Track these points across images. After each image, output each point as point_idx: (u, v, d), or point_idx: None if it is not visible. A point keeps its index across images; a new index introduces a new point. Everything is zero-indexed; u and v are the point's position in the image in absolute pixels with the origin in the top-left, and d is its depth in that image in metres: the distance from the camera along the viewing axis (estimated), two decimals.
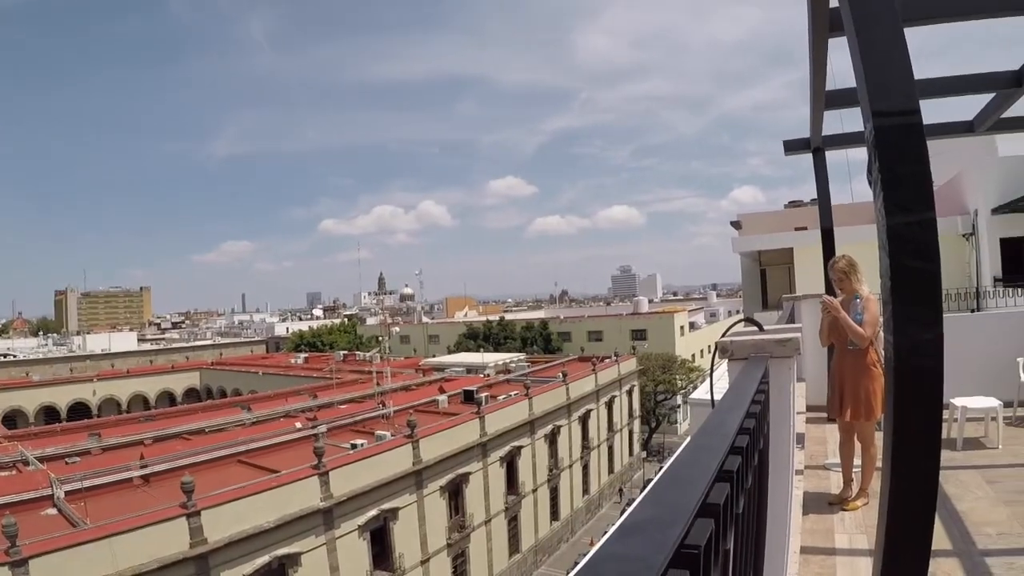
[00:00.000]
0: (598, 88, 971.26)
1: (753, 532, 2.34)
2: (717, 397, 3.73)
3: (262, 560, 25.87)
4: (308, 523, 27.95)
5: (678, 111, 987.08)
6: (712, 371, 5.96)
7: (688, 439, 2.35)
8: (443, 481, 36.53)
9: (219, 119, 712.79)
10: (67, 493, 27.03)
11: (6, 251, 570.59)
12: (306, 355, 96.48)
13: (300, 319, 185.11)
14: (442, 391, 49.30)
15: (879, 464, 5.31)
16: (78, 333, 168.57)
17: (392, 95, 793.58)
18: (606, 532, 33.87)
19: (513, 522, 44.09)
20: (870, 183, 3.16)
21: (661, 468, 23.59)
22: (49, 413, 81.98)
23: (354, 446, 34.35)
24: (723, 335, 4.45)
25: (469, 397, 45.90)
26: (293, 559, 27.25)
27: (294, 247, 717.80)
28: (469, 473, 38.84)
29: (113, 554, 21.19)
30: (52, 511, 26.31)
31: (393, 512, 32.80)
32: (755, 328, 4.78)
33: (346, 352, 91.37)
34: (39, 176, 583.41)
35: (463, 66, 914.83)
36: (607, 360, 61.81)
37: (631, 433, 66.57)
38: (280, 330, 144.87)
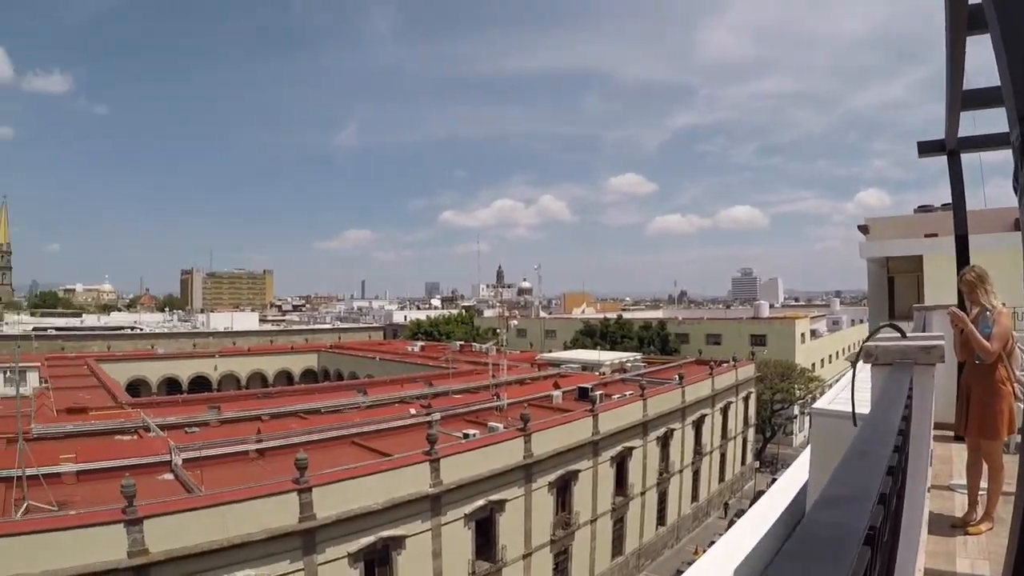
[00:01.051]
0: (721, 84, 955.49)
1: (889, 543, 2.37)
2: (847, 406, 3.91)
3: (367, 540, 27.22)
4: (415, 508, 29.13)
5: (803, 108, 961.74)
6: (854, 375, 6.05)
7: (857, 430, 2.32)
8: (552, 477, 37.24)
9: (345, 112, 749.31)
10: (185, 460, 29.28)
11: (137, 231, 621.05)
12: (423, 343, 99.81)
13: (418, 308, 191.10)
14: (557, 387, 50.25)
15: (1007, 489, 5.31)
16: (202, 311, 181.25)
17: (513, 90, 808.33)
18: (712, 542, 33.59)
19: (619, 524, 44.61)
20: (1015, 190, 3.12)
21: (773, 480, 23.06)
22: (171, 384, 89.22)
23: (466, 435, 35.52)
24: (866, 339, 4.64)
25: (583, 394, 46.85)
26: (398, 541, 28.54)
27: (414, 237, 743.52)
28: (578, 471, 39.44)
29: (224, 521, 22.87)
30: (169, 476, 28.62)
31: (500, 504, 33.67)
32: (897, 334, 4.89)
33: (462, 343, 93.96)
34: (172, 162, 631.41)
35: (585, 61, 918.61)
36: (725, 364, 62.07)
37: (745, 442, 66.57)
38: (398, 318, 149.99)
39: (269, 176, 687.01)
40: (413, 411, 42.71)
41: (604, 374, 60.03)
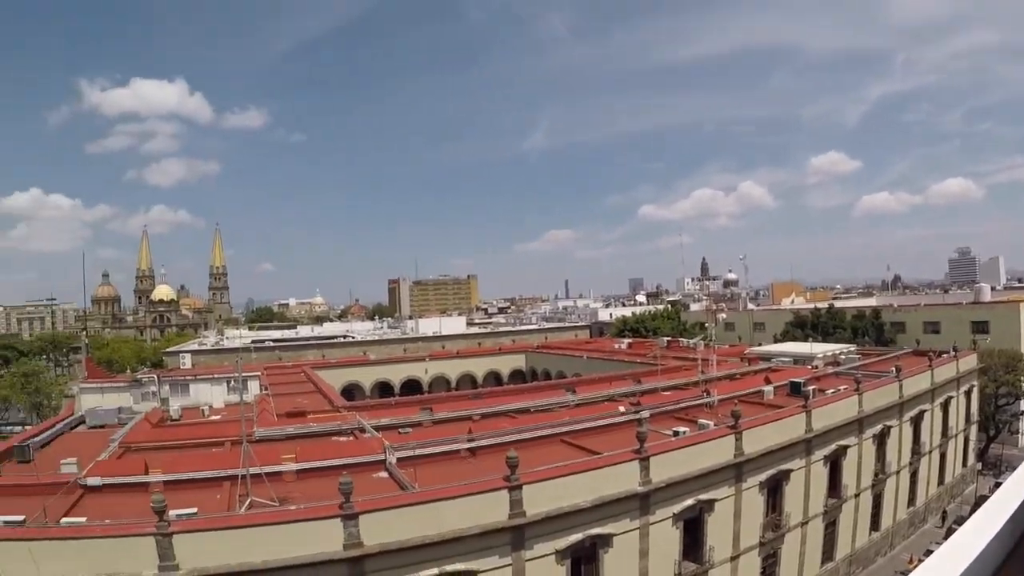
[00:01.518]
0: (918, 45, 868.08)
1: None
2: None
3: (575, 537, 27.34)
4: (624, 506, 28.89)
5: (1012, 62, 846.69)
6: None
7: None
8: (763, 476, 35.91)
9: (533, 114, 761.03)
10: (399, 459, 30.77)
11: (345, 244, 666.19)
12: (629, 340, 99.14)
13: (623, 305, 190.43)
14: (768, 381, 48.44)
15: None
16: (410, 317, 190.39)
17: (698, 75, 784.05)
18: (929, 551, 30.80)
19: (830, 527, 42.33)
20: None
21: (997, 484, 20.55)
22: (384, 388, 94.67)
23: (676, 433, 34.89)
24: None
25: (796, 389, 44.82)
26: (605, 540, 28.44)
27: (614, 234, 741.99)
28: (790, 470, 37.80)
29: (437, 517, 23.76)
30: (383, 474, 30.27)
31: (709, 504, 32.77)
32: None
33: (670, 338, 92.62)
34: (371, 179, 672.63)
35: (769, 36, 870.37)
36: (944, 355, 57.45)
37: (966, 440, 61.50)
38: (603, 315, 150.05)
39: (466, 184, 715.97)
40: (622, 409, 42.58)
41: (816, 367, 57.62)
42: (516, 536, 25.78)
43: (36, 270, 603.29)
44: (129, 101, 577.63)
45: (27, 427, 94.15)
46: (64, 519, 25.12)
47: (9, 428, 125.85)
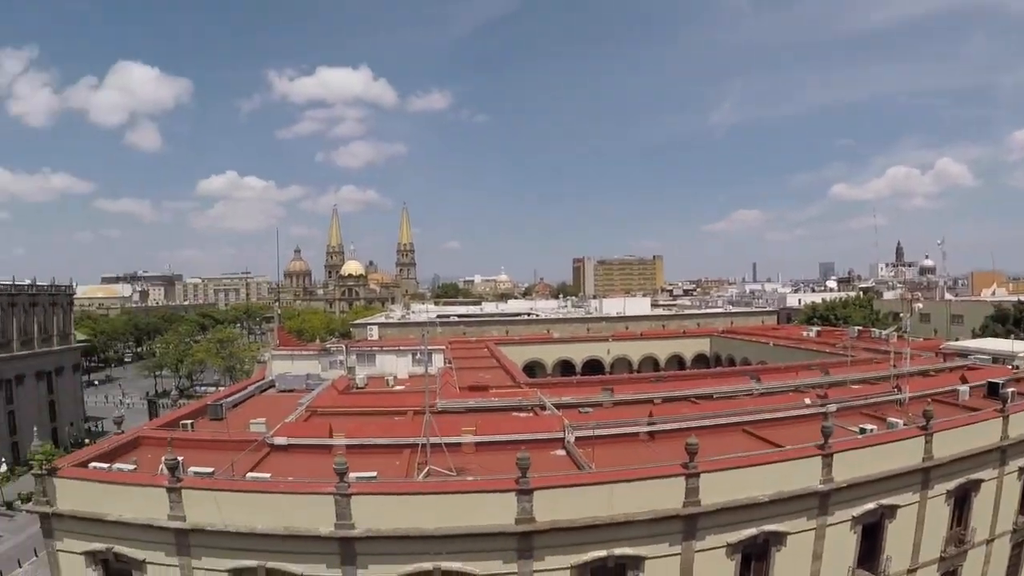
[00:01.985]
0: None
1: None
2: None
3: (748, 532, 25.81)
4: (801, 504, 27.02)
5: None
6: None
7: None
8: (951, 485, 32.46)
9: (717, 88, 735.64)
10: (577, 438, 30.48)
11: (531, 223, 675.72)
12: (818, 328, 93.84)
13: (812, 290, 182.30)
14: (964, 380, 43.80)
15: None
16: (594, 297, 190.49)
17: (887, 43, 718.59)
18: None
19: (1017, 548, 37.59)
20: None
21: None
22: (565, 367, 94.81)
23: (863, 430, 32.20)
24: None
25: (993, 391, 40.26)
26: (779, 537, 26.69)
27: (803, 214, 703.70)
28: (981, 480, 33.96)
29: (610, 499, 23.15)
30: (561, 452, 30.00)
31: (891, 509, 30.06)
32: None
33: (860, 328, 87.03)
34: (558, 154, 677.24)
35: None
36: None
37: None
38: (791, 301, 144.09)
39: (651, 162, 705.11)
40: (807, 400, 40.15)
41: (1017, 368, 51.16)
42: (688, 525, 24.72)
43: (232, 246, 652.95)
44: (316, 89, 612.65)
45: (220, 388, 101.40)
46: (250, 473, 26.63)
47: (203, 388, 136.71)
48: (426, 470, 26.40)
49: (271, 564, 23.65)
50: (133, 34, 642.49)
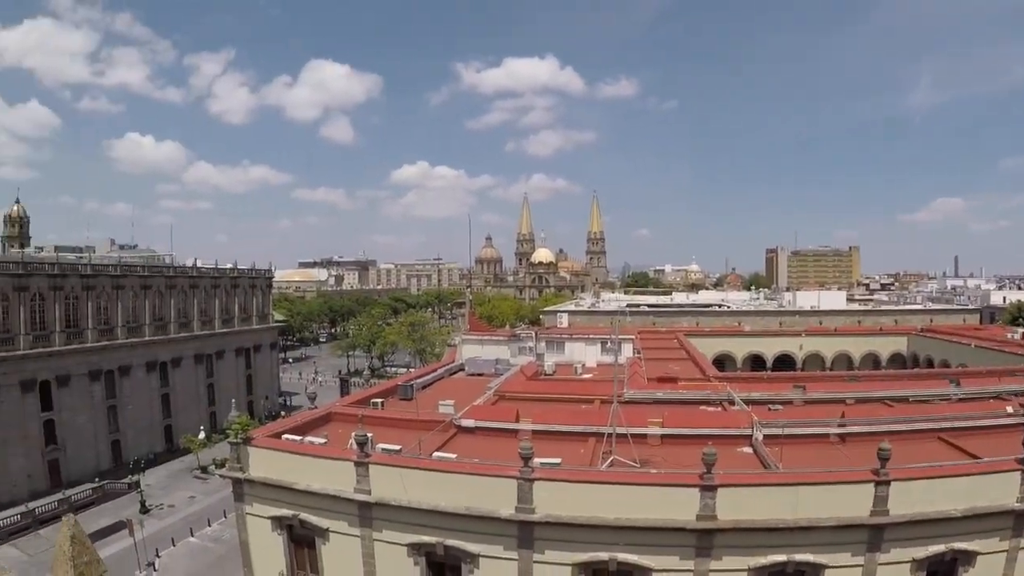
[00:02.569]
0: None
1: None
2: None
3: (936, 549, 23.92)
4: (994, 522, 24.66)
5: None
6: None
7: None
8: None
9: (913, 67, 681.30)
10: (765, 436, 29.76)
11: (722, 212, 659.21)
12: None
13: (1019, 287, 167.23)
14: None
15: None
16: (787, 289, 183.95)
17: None
18: None
19: None
20: None
21: None
22: (755, 361, 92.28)
23: None
24: None
25: None
26: (968, 557, 24.50)
27: (1012, 203, 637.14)
28: None
29: (795, 501, 22.35)
30: (747, 450, 29.47)
31: None
32: None
33: None
34: (751, 140, 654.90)
35: None
36: None
37: None
38: (995, 299, 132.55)
39: (847, 148, 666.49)
40: (1009, 409, 37.07)
41: None
42: (874, 536, 23.35)
43: (424, 232, 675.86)
44: (504, 80, 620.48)
45: (410, 369, 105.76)
46: (436, 453, 27.82)
47: (394, 369, 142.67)
48: (610, 459, 26.61)
49: (449, 541, 24.62)
50: (324, 34, 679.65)
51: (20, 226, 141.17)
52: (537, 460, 23.79)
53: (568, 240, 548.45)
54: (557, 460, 25.28)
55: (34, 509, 67.17)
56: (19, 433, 74.54)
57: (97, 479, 77.51)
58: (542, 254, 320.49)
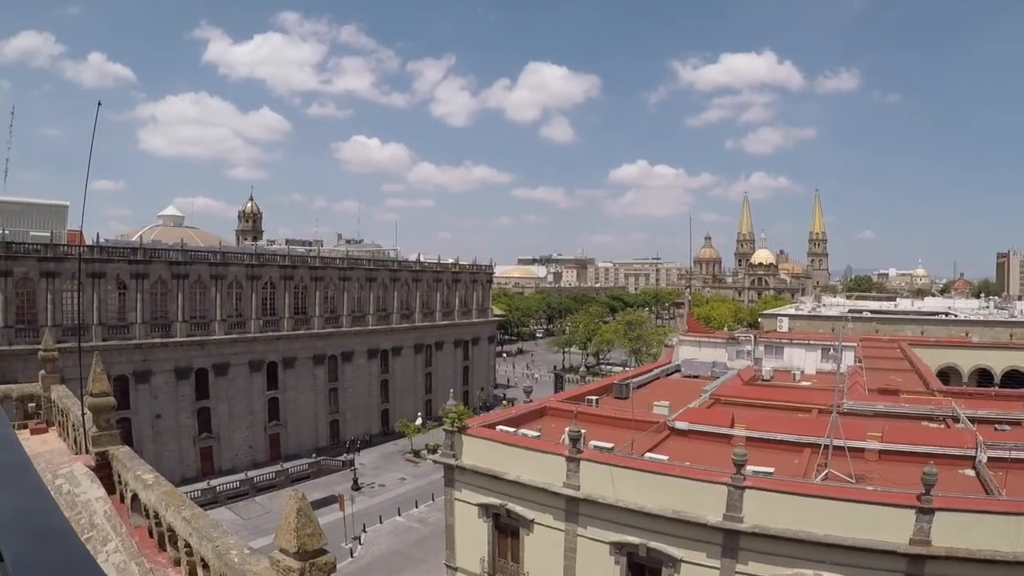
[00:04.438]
0: None
1: None
2: None
3: None
4: None
5: None
6: None
7: None
8: None
9: None
10: (989, 459, 28.06)
11: (951, 213, 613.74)
12: None
13: None
14: None
15: None
16: (1019, 298, 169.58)
17: None
18: None
19: None
20: None
21: None
22: (983, 375, 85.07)
23: None
24: None
25: None
26: None
27: None
28: None
29: (1017, 533, 21.08)
30: (970, 472, 28.00)
31: None
32: None
33: None
34: (981, 136, 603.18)
35: None
36: None
37: None
38: None
39: None
40: None
41: None
42: None
43: (643, 231, 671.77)
44: (721, 76, 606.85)
45: (626, 368, 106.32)
46: (647, 454, 28.59)
47: (609, 367, 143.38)
48: (824, 473, 26.39)
49: (653, 544, 25.20)
50: (541, 37, 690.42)
51: (253, 221, 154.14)
52: (749, 468, 23.98)
53: (789, 241, 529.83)
54: (770, 469, 25.38)
55: (252, 478, 75.15)
56: (246, 408, 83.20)
57: (314, 455, 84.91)
58: (762, 255, 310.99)
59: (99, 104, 13.81)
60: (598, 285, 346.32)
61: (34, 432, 19.32)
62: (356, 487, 75.90)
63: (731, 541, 23.71)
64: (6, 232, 67.07)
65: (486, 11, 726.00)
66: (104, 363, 16.63)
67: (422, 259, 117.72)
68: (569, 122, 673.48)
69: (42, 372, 20.56)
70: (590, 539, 27.14)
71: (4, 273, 65.08)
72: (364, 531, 63.66)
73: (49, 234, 72.04)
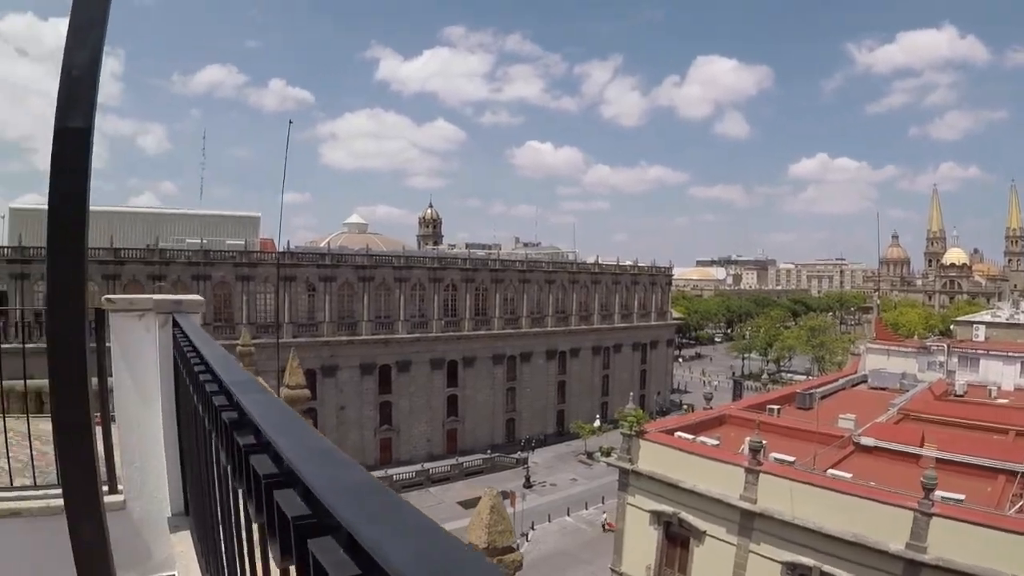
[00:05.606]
0: None
1: None
2: None
3: None
4: None
5: None
6: None
7: None
8: None
9: None
10: None
11: None
12: None
13: None
14: None
15: None
16: None
17: None
18: None
19: None
20: None
21: None
22: None
23: None
24: None
25: None
26: None
27: None
28: None
29: None
30: None
31: None
32: None
33: None
34: None
35: None
36: None
37: None
38: None
39: None
40: None
41: None
42: None
43: (824, 229, 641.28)
44: (900, 56, 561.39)
45: (809, 377, 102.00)
46: (830, 470, 27.11)
47: (790, 375, 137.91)
48: (1020, 504, 24.23)
49: (827, 567, 23.97)
50: (708, 30, 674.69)
51: (433, 226, 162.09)
52: (938, 493, 22.34)
53: (983, 238, 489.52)
54: (960, 496, 23.60)
55: (428, 469, 78.94)
56: (425, 404, 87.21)
57: (489, 451, 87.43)
58: (954, 255, 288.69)
59: (290, 123, 15.19)
60: (779, 287, 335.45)
61: None
62: (528, 485, 77.10)
63: (912, 573, 22.03)
64: (204, 241, 76.31)
65: (651, 7, 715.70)
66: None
67: (600, 261, 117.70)
68: (743, 116, 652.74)
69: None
70: (762, 556, 26.18)
71: (203, 277, 72.90)
72: (532, 528, 64.52)
73: (243, 242, 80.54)
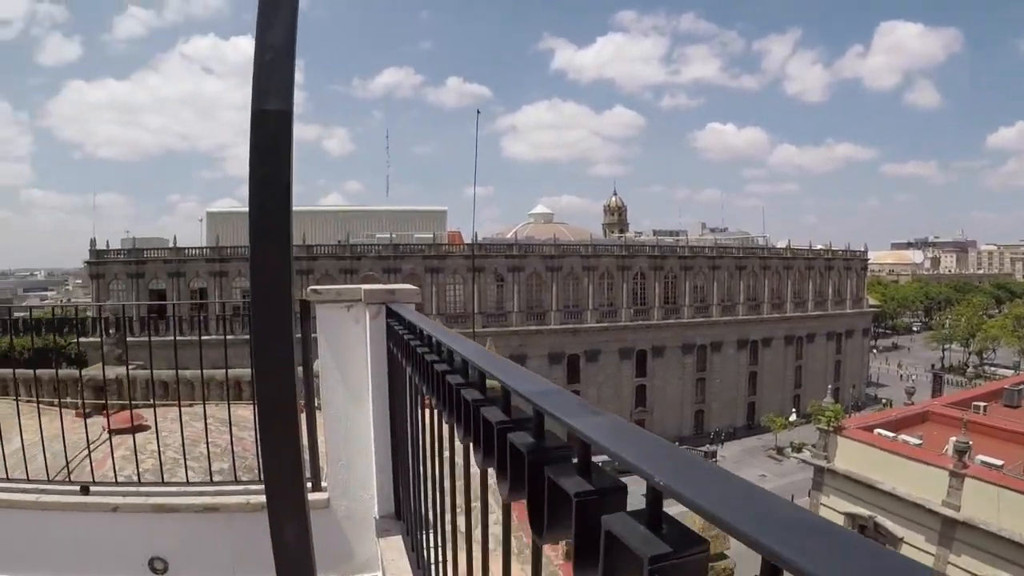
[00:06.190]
0: None
1: None
2: None
3: None
4: None
5: None
6: None
7: None
8: None
9: None
10: None
11: None
12: None
13: None
14: None
15: None
16: None
17: None
18: None
19: None
20: None
21: None
22: None
23: None
24: None
25: None
26: None
27: None
28: None
29: None
30: None
31: None
32: None
33: None
34: None
35: None
36: None
37: None
38: None
39: None
40: None
41: None
42: None
43: None
44: None
45: (1019, 372, 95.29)
46: None
47: (993, 369, 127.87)
48: None
49: None
50: None
51: (618, 214, 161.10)
52: None
53: None
54: None
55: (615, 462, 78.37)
56: (613, 393, 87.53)
57: (677, 443, 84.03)
58: None
59: (478, 112, 16.49)
60: (980, 271, 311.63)
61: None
62: None
63: None
64: (394, 236, 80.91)
65: None
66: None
67: (792, 246, 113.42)
68: (933, 84, 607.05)
69: None
70: (962, 570, 24.46)
71: (393, 270, 76.89)
72: None
73: (431, 235, 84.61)
